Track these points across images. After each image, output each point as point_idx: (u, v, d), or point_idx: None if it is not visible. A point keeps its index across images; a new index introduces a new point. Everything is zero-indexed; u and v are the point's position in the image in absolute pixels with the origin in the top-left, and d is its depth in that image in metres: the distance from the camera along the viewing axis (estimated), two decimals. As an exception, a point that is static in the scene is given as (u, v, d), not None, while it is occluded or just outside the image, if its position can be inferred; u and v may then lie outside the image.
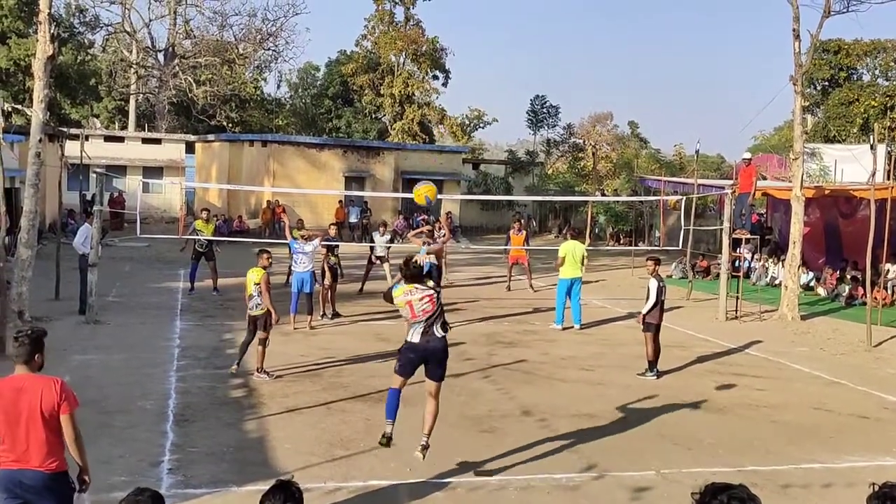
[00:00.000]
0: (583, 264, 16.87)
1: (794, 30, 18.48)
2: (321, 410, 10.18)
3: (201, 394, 10.72)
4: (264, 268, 11.80)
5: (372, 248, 20.62)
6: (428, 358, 8.11)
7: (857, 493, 7.66)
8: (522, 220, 25.26)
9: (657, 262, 13.00)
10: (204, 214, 20.42)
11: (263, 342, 11.62)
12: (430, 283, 8.28)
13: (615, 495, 7.80)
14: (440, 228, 21.07)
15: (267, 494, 3.79)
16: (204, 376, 11.66)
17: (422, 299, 8.04)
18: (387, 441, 8.01)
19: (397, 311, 8.34)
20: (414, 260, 8.11)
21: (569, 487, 7.95)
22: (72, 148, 26.23)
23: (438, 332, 8.06)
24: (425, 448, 8.00)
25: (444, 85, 55.16)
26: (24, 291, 14.75)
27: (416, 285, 8.10)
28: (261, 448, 8.77)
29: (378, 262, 20.10)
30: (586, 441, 9.34)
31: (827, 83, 43.78)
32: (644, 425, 10.05)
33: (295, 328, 15.01)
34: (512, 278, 22.06)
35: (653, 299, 12.49)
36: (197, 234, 19.67)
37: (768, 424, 10.33)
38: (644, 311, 12.59)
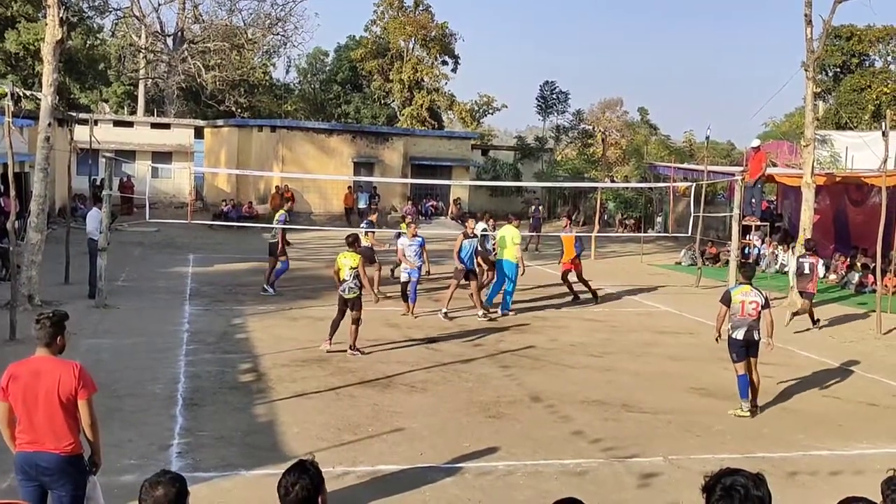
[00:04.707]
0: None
1: (806, 15, 18.31)
2: (330, 395, 10.21)
3: (210, 378, 10.77)
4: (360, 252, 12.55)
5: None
6: (749, 347, 10.10)
7: (866, 481, 7.66)
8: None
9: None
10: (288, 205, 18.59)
11: (357, 321, 12.24)
12: (764, 294, 10.26)
13: (623, 480, 7.81)
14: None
15: (285, 473, 3.85)
16: (213, 361, 11.70)
17: (751, 303, 10.00)
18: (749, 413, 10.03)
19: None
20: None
21: (576, 473, 7.97)
22: (81, 132, 26.25)
23: (756, 335, 10.05)
24: None
25: (454, 71, 54.96)
26: (34, 275, 14.82)
27: (752, 289, 10.14)
28: (269, 432, 8.81)
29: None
30: (594, 427, 9.35)
31: (839, 69, 43.45)
32: (652, 411, 10.05)
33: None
34: None
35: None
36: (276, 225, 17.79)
37: (777, 411, 10.33)
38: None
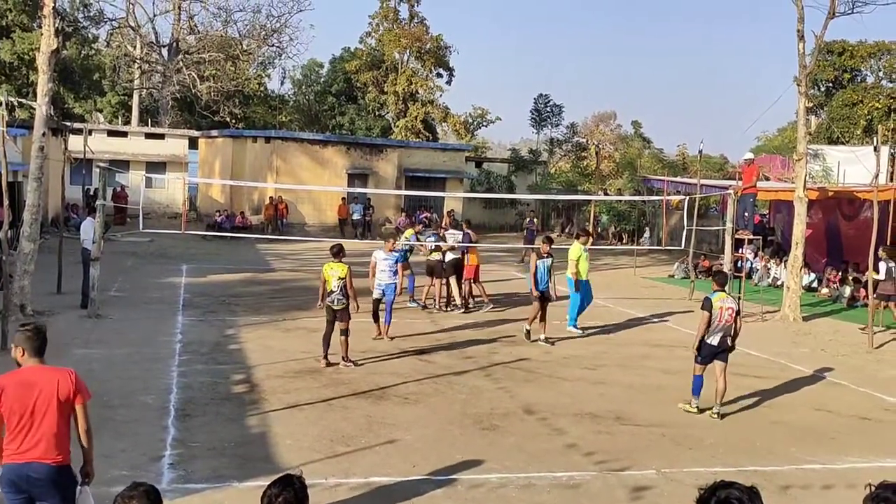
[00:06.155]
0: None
1: (798, 31, 18.45)
2: (322, 407, 10.19)
3: (203, 389, 10.73)
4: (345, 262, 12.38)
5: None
6: (719, 353, 10.48)
7: (858, 494, 7.63)
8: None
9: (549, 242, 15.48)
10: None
11: (345, 332, 12.18)
12: (737, 301, 10.87)
13: (616, 494, 7.81)
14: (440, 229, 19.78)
15: (270, 485, 3.87)
16: (205, 371, 11.67)
17: (727, 309, 10.34)
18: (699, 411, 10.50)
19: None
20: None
21: (569, 486, 7.96)
22: (75, 142, 26.26)
23: (728, 342, 10.48)
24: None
25: (448, 83, 55.14)
26: (26, 285, 14.78)
27: (727, 295, 10.60)
28: (262, 444, 8.78)
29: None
30: (587, 440, 9.35)
31: (831, 84, 43.68)
32: (645, 425, 10.05)
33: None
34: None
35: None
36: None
37: (769, 425, 10.34)
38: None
